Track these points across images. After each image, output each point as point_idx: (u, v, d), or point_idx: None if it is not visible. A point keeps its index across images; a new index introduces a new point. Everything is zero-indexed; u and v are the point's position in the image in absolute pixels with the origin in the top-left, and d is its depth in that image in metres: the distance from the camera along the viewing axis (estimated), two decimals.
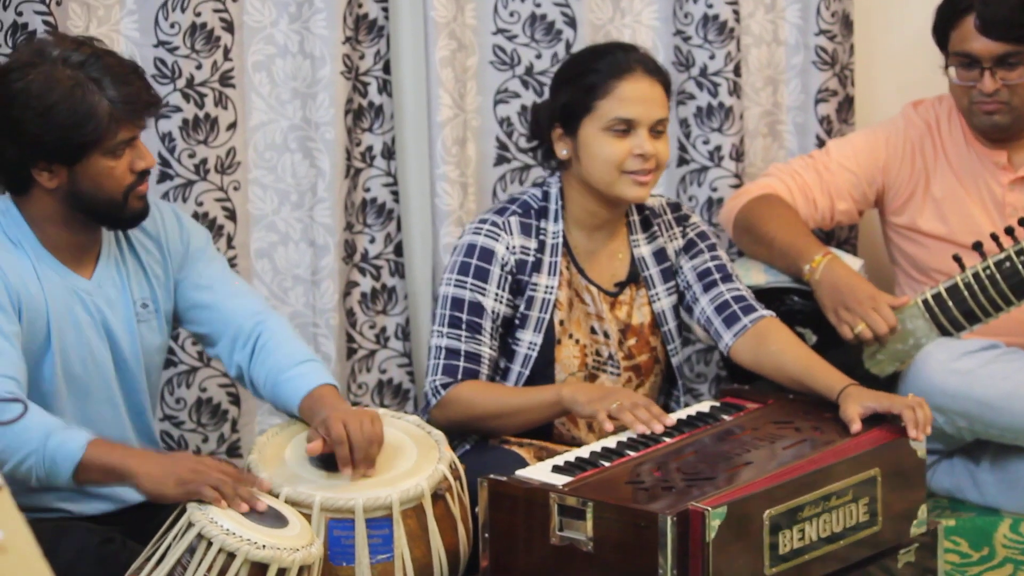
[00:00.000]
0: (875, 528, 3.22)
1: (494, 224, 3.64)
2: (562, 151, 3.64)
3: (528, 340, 3.63)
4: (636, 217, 3.75)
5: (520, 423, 3.54)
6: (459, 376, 3.57)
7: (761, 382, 3.72)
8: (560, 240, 3.65)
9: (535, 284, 3.63)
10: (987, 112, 3.99)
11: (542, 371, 3.64)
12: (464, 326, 3.59)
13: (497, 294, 3.61)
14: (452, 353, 3.58)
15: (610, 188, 3.59)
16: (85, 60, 3.10)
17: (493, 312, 3.61)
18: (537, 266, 3.63)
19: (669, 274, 3.76)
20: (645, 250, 3.74)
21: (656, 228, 3.76)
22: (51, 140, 3.06)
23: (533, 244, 3.64)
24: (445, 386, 3.56)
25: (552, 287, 3.63)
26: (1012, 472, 3.96)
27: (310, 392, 3.26)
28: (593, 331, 3.68)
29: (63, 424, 3.01)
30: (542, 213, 3.66)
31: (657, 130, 3.58)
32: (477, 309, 3.59)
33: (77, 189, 3.12)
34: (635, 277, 3.73)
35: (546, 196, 3.68)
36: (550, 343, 3.64)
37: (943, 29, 4.02)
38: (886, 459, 3.25)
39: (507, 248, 3.61)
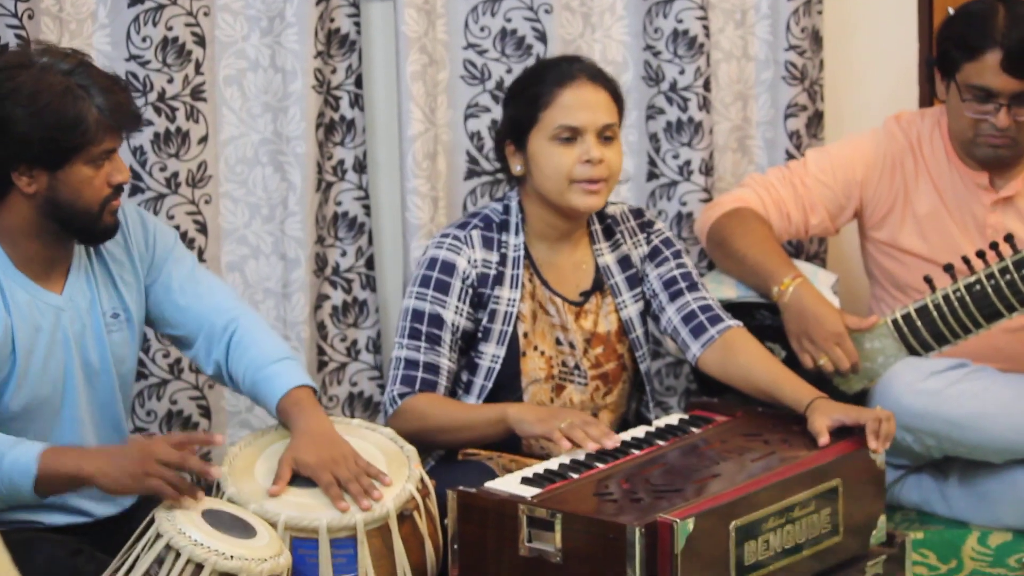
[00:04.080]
0: (836, 539, 3.24)
1: (456, 238, 3.64)
2: (516, 166, 3.65)
3: (491, 353, 3.64)
4: (598, 226, 3.76)
5: (466, 439, 3.54)
6: (416, 387, 3.57)
7: (730, 395, 3.73)
8: (522, 253, 3.66)
9: (497, 297, 3.63)
10: (993, 145, 3.94)
11: (508, 383, 3.64)
12: (424, 338, 3.59)
13: (457, 307, 3.61)
14: (411, 364, 3.59)
15: (561, 198, 3.59)
16: (73, 69, 3.11)
17: (453, 325, 3.61)
18: (499, 279, 3.64)
19: (635, 281, 3.76)
20: (609, 258, 3.75)
21: (619, 236, 3.77)
22: (38, 141, 3.06)
23: (495, 257, 3.65)
24: (402, 396, 3.57)
25: (514, 300, 3.64)
26: (980, 486, 3.97)
27: (287, 394, 3.27)
28: (558, 342, 3.69)
29: (12, 440, 3.02)
30: (503, 227, 3.67)
31: (606, 136, 3.59)
32: (437, 321, 3.60)
33: (55, 197, 3.11)
34: (600, 286, 3.74)
35: (507, 210, 3.69)
36: (514, 355, 3.64)
37: (955, 59, 3.92)
38: (847, 470, 3.27)
39: (468, 262, 3.62)
